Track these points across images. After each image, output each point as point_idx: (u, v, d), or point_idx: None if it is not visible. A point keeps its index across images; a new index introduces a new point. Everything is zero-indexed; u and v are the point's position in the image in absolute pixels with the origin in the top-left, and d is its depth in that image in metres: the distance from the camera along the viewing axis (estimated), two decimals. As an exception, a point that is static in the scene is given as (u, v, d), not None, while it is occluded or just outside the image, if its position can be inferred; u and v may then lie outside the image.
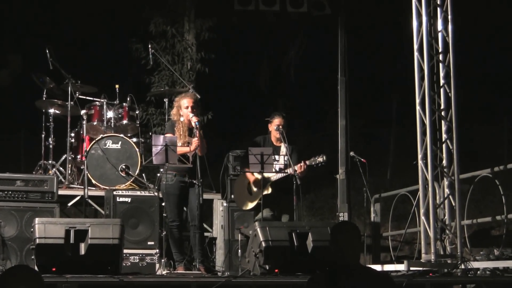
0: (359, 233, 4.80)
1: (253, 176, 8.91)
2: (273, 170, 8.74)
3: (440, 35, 9.05)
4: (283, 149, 8.93)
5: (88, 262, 7.26)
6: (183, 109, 8.55)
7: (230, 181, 9.40)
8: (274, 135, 9.02)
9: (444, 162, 8.92)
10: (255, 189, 8.91)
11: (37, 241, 7.29)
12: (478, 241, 10.97)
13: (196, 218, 8.39)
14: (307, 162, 8.71)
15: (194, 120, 8.40)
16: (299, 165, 8.68)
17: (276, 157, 8.88)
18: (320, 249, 7.64)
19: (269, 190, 8.78)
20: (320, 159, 8.69)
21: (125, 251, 8.27)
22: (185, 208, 8.70)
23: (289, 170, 8.68)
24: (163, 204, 8.71)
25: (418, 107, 8.87)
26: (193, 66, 14.53)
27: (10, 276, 4.10)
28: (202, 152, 8.46)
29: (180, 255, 8.44)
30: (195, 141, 8.39)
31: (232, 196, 9.32)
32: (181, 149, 8.37)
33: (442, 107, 8.96)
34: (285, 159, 8.80)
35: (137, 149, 9.91)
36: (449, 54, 8.98)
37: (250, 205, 8.94)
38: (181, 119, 8.57)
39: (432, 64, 8.93)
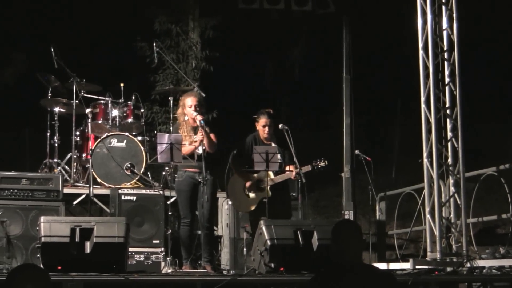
0: (360, 231, 4.78)
1: (248, 179, 8.64)
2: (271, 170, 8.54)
3: (445, 33, 9.04)
4: (274, 147, 8.66)
5: (93, 261, 7.25)
6: (187, 108, 8.50)
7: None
8: (262, 134, 8.78)
9: (449, 160, 8.91)
10: (251, 194, 8.68)
11: (43, 239, 7.29)
12: (483, 239, 10.94)
13: (203, 217, 8.37)
14: (309, 167, 8.52)
15: (198, 118, 8.35)
16: (293, 173, 8.49)
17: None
18: (325, 247, 7.62)
19: (269, 194, 8.48)
20: (322, 163, 8.56)
21: (130, 249, 8.28)
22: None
23: (293, 174, 8.54)
24: (168, 202, 8.70)
25: (423, 105, 8.87)
26: (198, 65, 14.53)
27: (18, 275, 4.11)
28: (212, 149, 8.40)
29: (187, 254, 8.40)
30: (198, 137, 8.34)
31: (229, 201, 9.18)
32: (187, 149, 8.34)
33: (447, 105, 8.95)
34: (279, 158, 8.54)
35: (142, 148, 9.92)
36: (454, 52, 8.97)
37: (249, 209, 8.69)
38: (185, 118, 8.53)
39: (437, 62, 8.93)
